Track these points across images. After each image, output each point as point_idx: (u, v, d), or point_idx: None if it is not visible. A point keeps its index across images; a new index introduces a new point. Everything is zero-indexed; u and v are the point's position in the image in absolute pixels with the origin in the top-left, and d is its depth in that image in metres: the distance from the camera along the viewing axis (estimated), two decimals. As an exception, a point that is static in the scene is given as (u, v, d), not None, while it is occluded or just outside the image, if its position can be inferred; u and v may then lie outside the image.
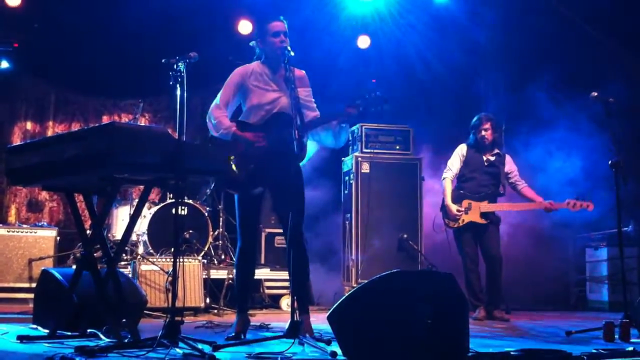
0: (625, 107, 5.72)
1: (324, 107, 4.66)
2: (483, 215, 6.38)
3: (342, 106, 4.56)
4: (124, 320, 3.97)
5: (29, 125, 8.57)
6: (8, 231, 6.74)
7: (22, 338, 4.02)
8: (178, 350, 3.52)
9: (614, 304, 7.36)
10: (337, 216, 7.72)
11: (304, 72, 4.70)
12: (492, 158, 6.54)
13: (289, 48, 4.37)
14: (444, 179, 6.58)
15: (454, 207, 6.41)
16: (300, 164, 4.46)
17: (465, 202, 6.42)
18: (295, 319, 3.89)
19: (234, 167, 4.38)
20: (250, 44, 4.74)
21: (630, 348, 3.98)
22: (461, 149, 6.63)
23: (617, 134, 5.24)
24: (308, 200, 4.63)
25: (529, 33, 7.98)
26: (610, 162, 5.20)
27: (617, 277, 7.26)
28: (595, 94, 5.29)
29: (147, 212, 7.02)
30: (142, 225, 6.97)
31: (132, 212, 5.41)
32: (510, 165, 6.60)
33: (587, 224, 7.78)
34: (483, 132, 6.51)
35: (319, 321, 4.63)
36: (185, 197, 7.04)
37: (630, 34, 7.68)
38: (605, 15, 7.75)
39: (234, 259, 4.76)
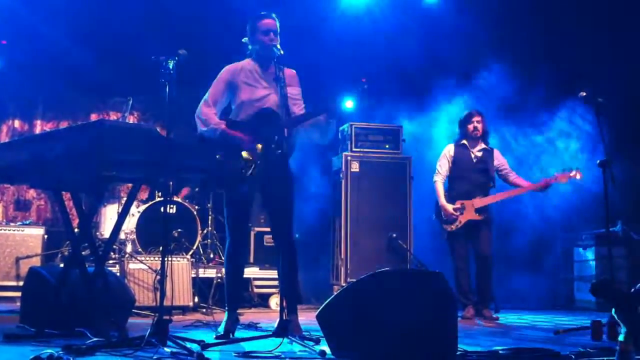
0: (615, 107, 5.72)
1: (311, 105, 4.64)
2: (478, 211, 6.38)
3: (328, 102, 4.51)
4: (112, 319, 3.95)
5: (16, 124, 8.51)
6: (-5, 229, 6.69)
7: (9, 337, 3.99)
8: (166, 349, 3.50)
9: (601, 304, 7.38)
10: (326, 215, 7.71)
11: (294, 71, 4.68)
12: (480, 154, 6.55)
13: (278, 46, 4.36)
14: (435, 181, 6.58)
15: (449, 207, 6.41)
16: (289, 159, 4.44)
17: (458, 203, 6.42)
18: (284, 317, 3.89)
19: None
20: (243, 40, 4.71)
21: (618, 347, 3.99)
22: (448, 150, 6.65)
23: (606, 133, 5.24)
24: (297, 199, 4.61)
25: (521, 31, 8.00)
26: (598, 161, 5.21)
27: (605, 276, 7.28)
28: (585, 93, 5.30)
29: (136, 211, 6.99)
30: (130, 223, 6.93)
31: (120, 211, 5.39)
32: (499, 160, 6.62)
33: (575, 224, 7.83)
34: (475, 124, 6.51)
35: (308, 320, 4.63)
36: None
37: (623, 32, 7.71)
38: (597, 13, 7.77)
39: (224, 258, 4.74)
